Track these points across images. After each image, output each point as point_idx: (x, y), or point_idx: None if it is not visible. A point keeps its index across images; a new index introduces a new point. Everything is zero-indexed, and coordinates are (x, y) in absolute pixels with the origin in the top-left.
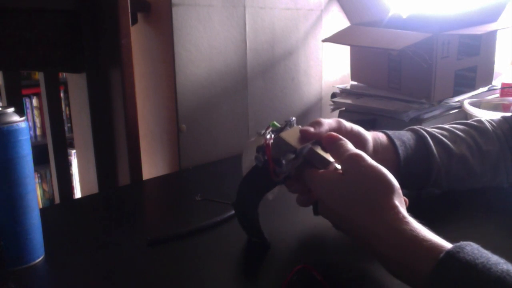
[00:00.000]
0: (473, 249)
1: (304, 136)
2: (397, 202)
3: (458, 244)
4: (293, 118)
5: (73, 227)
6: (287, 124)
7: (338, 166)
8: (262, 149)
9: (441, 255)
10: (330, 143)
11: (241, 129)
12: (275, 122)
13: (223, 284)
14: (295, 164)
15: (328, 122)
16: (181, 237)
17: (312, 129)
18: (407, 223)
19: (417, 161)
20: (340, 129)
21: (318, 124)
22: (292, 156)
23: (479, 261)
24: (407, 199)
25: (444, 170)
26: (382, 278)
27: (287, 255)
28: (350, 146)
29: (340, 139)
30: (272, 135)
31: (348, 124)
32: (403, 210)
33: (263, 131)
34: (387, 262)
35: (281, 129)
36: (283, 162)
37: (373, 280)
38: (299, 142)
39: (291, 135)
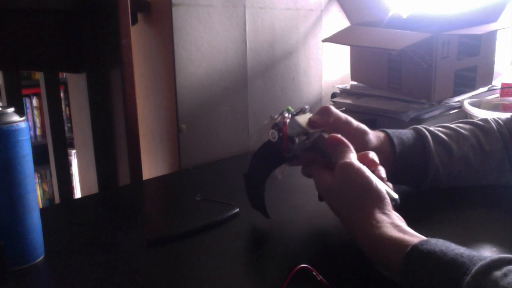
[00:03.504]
0: (437, 241)
1: (312, 124)
2: (374, 210)
3: (425, 239)
4: (307, 106)
5: (73, 227)
6: (301, 110)
7: None
8: (279, 126)
9: (408, 248)
10: (333, 144)
11: (241, 129)
12: (289, 107)
13: (223, 284)
14: (305, 145)
15: (336, 113)
16: (181, 237)
17: (319, 118)
18: (378, 227)
19: (413, 158)
20: (347, 124)
21: (326, 113)
22: (304, 137)
23: (438, 248)
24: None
25: (443, 170)
26: (383, 278)
27: (287, 255)
28: (347, 153)
29: (342, 143)
30: (289, 115)
31: (355, 122)
32: (379, 215)
33: (277, 116)
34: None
35: (295, 114)
36: (296, 141)
37: (373, 280)
38: (309, 127)
39: (304, 120)
